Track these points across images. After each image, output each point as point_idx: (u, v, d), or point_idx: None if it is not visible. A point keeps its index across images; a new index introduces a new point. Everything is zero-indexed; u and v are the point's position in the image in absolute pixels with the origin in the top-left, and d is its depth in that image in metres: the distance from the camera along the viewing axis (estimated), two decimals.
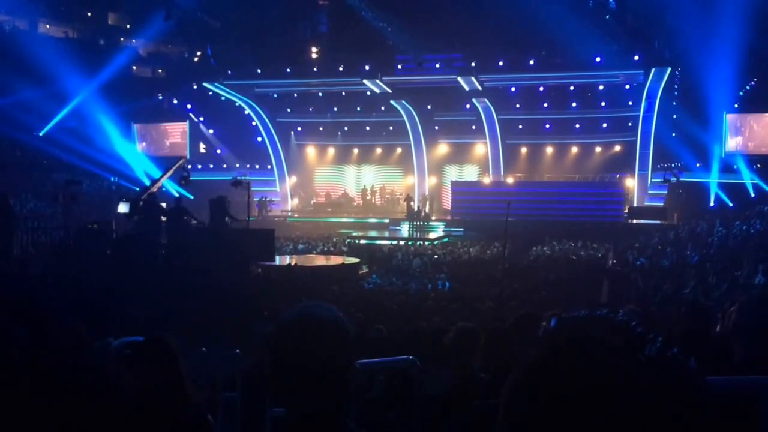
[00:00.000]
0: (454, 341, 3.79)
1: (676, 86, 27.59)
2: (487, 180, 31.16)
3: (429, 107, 31.76)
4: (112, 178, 29.27)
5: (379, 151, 34.41)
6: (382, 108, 31.91)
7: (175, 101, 33.86)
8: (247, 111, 33.14)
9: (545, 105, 30.74)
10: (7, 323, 0.67)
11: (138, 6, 22.80)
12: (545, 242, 23.45)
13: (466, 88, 29.49)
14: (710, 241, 18.93)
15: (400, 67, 30.23)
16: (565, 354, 0.74)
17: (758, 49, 23.41)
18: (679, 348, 0.77)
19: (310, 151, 35.31)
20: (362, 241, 25.44)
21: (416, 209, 28.84)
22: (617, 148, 30.19)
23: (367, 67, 29.60)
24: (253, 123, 33.52)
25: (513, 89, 30.67)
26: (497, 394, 0.81)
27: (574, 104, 30.33)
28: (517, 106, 31.03)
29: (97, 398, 0.65)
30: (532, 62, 28.51)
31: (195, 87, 32.30)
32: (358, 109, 32.67)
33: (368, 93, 31.12)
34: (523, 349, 0.81)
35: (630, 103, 29.18)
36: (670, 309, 10.22)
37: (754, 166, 25.77)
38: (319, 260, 20.85)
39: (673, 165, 26.86)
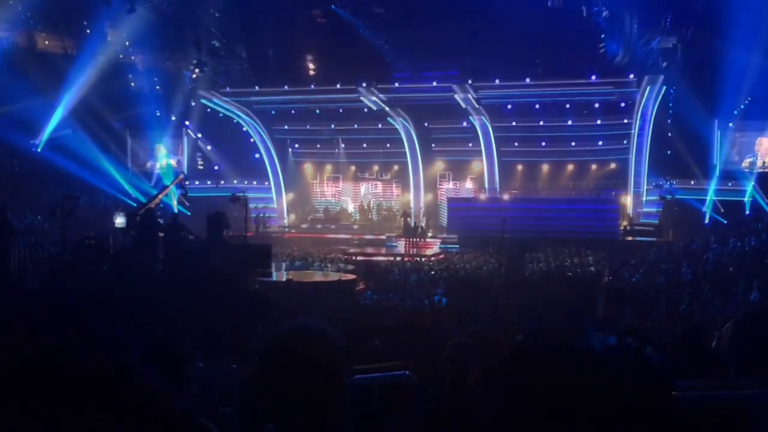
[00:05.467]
0: (449, 357, 3.83)
1: (670, 104, 27.84)
2: (483, 196, 31.26)
3: (426, 124, 31.94)
4: (110, 193, 29.27)
5: (376, 167, 34.54)
6: (379, 125, 32.08)
7: (173, 117, 33.96)
8: (245, 127, 33.28)
9: (541, 122, 30.92)
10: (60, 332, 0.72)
11: (137, 21, 22.98)
12: (541, 258, 23.50)
13: (463, 105, 29.70)
14: (705, 257, 19.01)
15: (396, 85, 30.48)
16: (529, 359, 0.80)
17: (752, 68, 23.70)
18: (676, 363, 0.82)
19: (308, 166, 35.42)
20: (359, 257, 25.46)
21: (413, 225, 28.89)
22: (612, 164, 30.37)
23: (364, 83, 29.81)
24: (251, 139, 33.64)
25: (509, 106, 30.87)
26: (492, 409, 0.87)
27: (569, 121, 30.53)
28: (513, 123, 31.22)
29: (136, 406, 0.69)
30: (528, 79, 28.79)
31: (193, 102, 32.44)
32: (355, 125, 32.82)
33: (365, 109, 31.30)
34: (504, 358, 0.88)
35: (625, 120, 29.40)
36: (666, 325, 10.25)
37: (750, 183, 25.99)
38: (316, 276, 20.86)
39: (668, 183, 26.98)
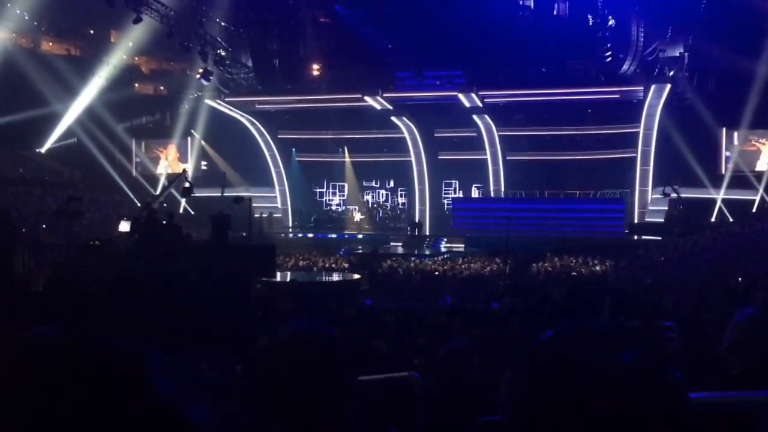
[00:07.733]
0: (452, 358, 3.80)
1: (675, 103, 27.77)
2: (487, 196, 31.22)
3: (429, 123, 31.91)
4: (114, 195, 29.35)
5: (380, 167, 34.53)
6: (383, 124, 32.07)
7: (177, 118, 34.03)
8: (249, 128, 33.31)
9: (546, 121, 30.88)
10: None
11: (140, 24, 23.07)
12: (546, 258, 23.44)
13: (467, 105, 29.66)
14: (710, 257, 18.92)
15: (400, 85, 30.46)
16: (547, 365, 0.77)
17: (758, 69, 23.63)
18: (678, 363, 0.80)
19: (311, 167, 35.42)
20: (363, 258, 25.43)
21: (417, 225, 28.87)
22: (618, 164, 30.27)
23: (367, 84, 29.81)
24: (255, 140, 33.67)
25: (513, 106, 30.83)
26: (495, 410, 0.84)
27: (574, 120, 30.48)
28: (519, 125, 31.21)
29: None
30: (532, 79, 28.76)
31: (196, 104, 32.49)
32: (359, 125, 32.84)
33: (369, 110, 31.31)
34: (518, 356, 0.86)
35: (630, 119, 29.34)
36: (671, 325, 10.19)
37: (754, 183, 25.92)
38: (320, 276, 20.84)
39: (673, 186, 26.83)
